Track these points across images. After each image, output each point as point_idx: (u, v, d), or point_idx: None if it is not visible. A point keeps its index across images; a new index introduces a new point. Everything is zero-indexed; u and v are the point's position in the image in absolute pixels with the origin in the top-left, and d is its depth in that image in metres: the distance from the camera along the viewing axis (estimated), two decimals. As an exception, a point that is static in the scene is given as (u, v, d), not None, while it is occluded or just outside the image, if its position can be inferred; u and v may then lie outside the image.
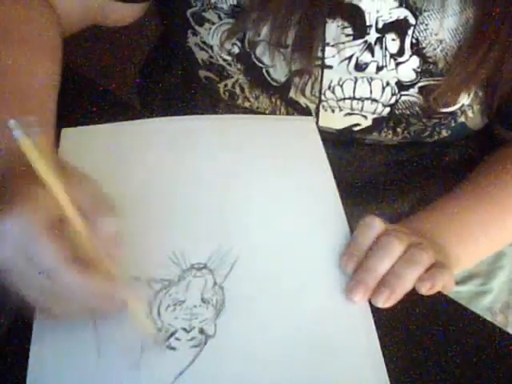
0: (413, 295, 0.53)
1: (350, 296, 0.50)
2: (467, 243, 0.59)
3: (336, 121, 0.67)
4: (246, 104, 0.69)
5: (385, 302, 0.50)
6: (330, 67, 0.62)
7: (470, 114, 0.66)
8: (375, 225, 0.53)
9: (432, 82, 0.62)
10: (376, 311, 0.50)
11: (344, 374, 0.47)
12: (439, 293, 0.55)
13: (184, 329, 0.48)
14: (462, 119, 0.67)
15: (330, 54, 0.61)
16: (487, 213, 0.62)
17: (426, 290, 0.51)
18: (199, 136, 0.62)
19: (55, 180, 0.42)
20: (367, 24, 0.59)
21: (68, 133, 0.60)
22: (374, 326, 0.49)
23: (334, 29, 0.60)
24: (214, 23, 0.63)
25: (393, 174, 0.73)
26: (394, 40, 0.60)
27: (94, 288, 0.43)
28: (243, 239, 0.54)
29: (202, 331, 0.48)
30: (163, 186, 0.58)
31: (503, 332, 0.53)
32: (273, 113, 0.68)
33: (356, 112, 0.66)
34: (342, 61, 0.62)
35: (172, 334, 0.48)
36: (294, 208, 0.56)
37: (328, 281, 0.52)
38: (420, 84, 0.63)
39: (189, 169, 0.59)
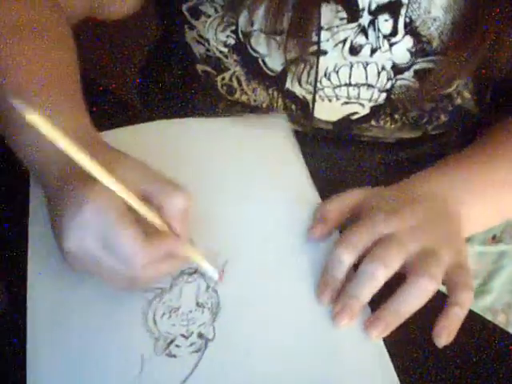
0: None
1: (336, 323, 0.49)
2: (485, 201, 0.57)
3: (333, 111, 0.67)
4: (244, 98, 0.69)
5: (379, 334, 0.49)
6: (325, 52, 0.63)
7: (466, 94, 0.66)
8: (343, 260, 0.50)
9: (427, 65, 0.62)
10: (375, 311, 0.50)
11: (347, 371, 0.47)
12: (439, 292, 0.55)
13: (183, 335, 0.48)
14: (458, 101, 0.67)
15: (325, 38, 0.62)
16: (503, 171, 0.59)
17: (445, 341, 0.48)
18: (173, 141, 0.62)
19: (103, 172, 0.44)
20: (360, 7, 0.60)
21: None
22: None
23: (327, 13, 0.60)
24: (209, 16, 0.63)
25: (392, 174, 0.73)
26: (386, 21, 0.60)
27: (164, 269, 0.48)
28: (231, 241, 0.54)
29: (200, 335, 0.48)
30: None
31: (503, 332, 0.53)
32: (270, 105, 0.69)
33: (353, 100, 0.66)
34: (336, 44, 0.62)
35: (171, 342, 0.48)
36: (275, 208, 0.56)
37: (316, 277, 0.52)
38: (415, 67, 0.63)
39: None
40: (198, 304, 0.50)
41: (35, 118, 0.40)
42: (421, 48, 0.62)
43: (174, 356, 0.47)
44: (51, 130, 0.41)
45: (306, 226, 0.54)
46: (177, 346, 0.48)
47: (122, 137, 0.60)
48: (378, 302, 0.49)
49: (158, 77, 0.82)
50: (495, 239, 0.80)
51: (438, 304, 0.53)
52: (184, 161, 0.59)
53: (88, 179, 0.44)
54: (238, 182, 0.58)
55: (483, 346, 0.51)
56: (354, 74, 0.64)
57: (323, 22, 0.61)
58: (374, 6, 0.60)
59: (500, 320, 0.73)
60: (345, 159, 0.71)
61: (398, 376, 0.47)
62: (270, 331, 0.49)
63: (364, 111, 0.67)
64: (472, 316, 0.53)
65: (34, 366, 0.47)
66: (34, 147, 0.49)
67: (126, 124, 0.62)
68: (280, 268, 0.52)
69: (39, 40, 0.57)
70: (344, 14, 0.60)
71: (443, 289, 0.50)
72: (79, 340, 0.48)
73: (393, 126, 0.68)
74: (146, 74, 0.87)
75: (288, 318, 0.49)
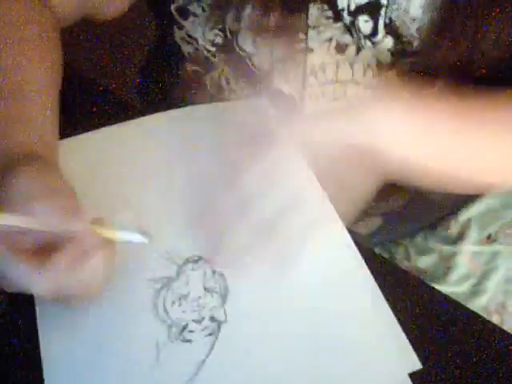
0: (413, 295, 0.53)
1: None
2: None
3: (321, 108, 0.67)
4: (233, 97, 0.69)
5: None
6: (311, 50, 0.63)
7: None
8: None
9: (410, 65, 0.62)
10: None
11: (347, 371, 0.47)
12: (439, 292, 0.55)
13: (195, 320, 0.49)
14: None
15: (311, 36, 0.62)
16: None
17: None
18: (173, 134, 0.61)
19: None
20: (339, 8, 0.60)
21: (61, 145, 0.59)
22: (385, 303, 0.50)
23: (314, 11, 0.60)
24: (197, 15, 0.63)
25: None
26: (366, 21, 0.60)
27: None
28: (234, 225, 0.53)
29: (213, 319, 0.49)
30: (139, 189, 0.57)
31: (503, 332, 0.53)
32: None
33: (339, 98, 0.66)
34: (322, 42, 0.62)
35: (184, 328, 0.49)
36: (271, 189, 0.55)
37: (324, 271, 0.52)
38: (399, 66, 0.63)
39: (157, 167, 0.59)
40: (206, 289, 0.51)
41: None
42: (401, 48, 0.62)
43: (189, 341, 0.48)
44: None
45: (303, 205, 0.53)
46: (190, 331, 0.49)
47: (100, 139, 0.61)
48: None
49: (157, 77, 0.82)
50: (490, 239, 0.80)
51: (438, 306, 0.53)
52: (170, 153, 0.60)
53: None
54: (228, 170, 0.58)
55: (483, 346, 0.51)
56: (340, 71, 0.64)
57: (310, 21, 0.61)
58: (353, 7, 0.60)
59: (494, 320, 0.73)
60: None
61: (398, 376, 0.47)
62: (282, 306, 0.50)
63: None
64: (472, 316, 0.53)
65: (50, 367, 0.46)
66: None
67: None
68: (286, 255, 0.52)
69: (39, 41, 0.58)
70: (330, 13, 0.61)
71: (446, 291, 0.50)
72: (94, 338, 0.48)
73: None
74: (145, 74, 0.87)
75: (298, 292, 0.50)
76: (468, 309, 0.54)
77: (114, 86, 0.83)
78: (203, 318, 0.49)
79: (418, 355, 0.48)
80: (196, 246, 0.53)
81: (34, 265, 0.43)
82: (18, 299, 0.49)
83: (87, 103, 0.65)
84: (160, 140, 0.61)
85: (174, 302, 0.50)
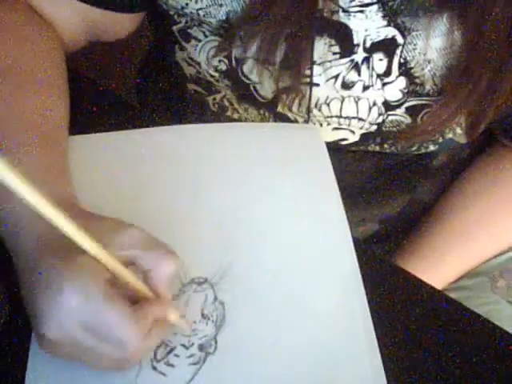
0: (413, 295, 0.53)
1: None
2: None
3: (324, 134, 0.66)
4: (235, 115, 0.69)
5: None
6: (317, 85, 0.62)
7: (458, 130, 0.66)
8: None
9: (419, 102, 0.62)
10: (376, 311, 0.50)
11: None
12: (439, 292, 0.55)
13: (183, 345, 0.47)
14: (449, 135, 0.66)
15: (317, 73, 0.61)
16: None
17: None
18: (200, 146, 0.60)
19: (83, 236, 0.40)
20: (355, 43, 0.59)
21: (73, 140, 0.58)
22: (374, 334, 0.49)
23: (321, 47, 0.59)
24: (200, 40, 0.63)
25: (381, 179, 0.73)
26: (381, 60, 0.59)
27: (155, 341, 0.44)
28: (245, 253, 0.53)
29: (201, 348, 0.47)
30: (163, 198, 0.56)
31: (503, 332, 0.53)
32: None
33: (344, 127, 0.65)
34: (328, 79, 0.61)
35: (171, 351, 0.47)
36: (297, 221, 0.55)
37: (328, 289, 0.51)
38: (407, 104, 0.62)
39: (189, 179, 0.58)
40: (203, 315, 0.49)
41: (13, 179, 0.35)
42: (413, 90, 0.61)
43: (172, 366, 0.46)
44: (32, 194, 0.36)
45: (325, 242, 0.54)
46: (176, 355, 0.47)
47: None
48: (389, 322, 0.49)
49: (157, 77, 0.82)
50: None
51: (438, 306, 0.53)
52: (208, 167, 0.59)
53: (64, 256, 0.41)
54: (257, 193, 0.57)
55: (483, 346, 0.51)
56: (344, 107, 0.63)
57: (316, 56, 0.60)
58: (368, 43, 0.59)
59: (498, 286, 0.71)
60: (332, 166, 0.71)
61: (398, 376, 0.47)
62: (272, 351, 0.48)
63: (354, 138, 0.66)
64: (472, 316, 0.54)
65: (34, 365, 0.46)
66: (8, 209, 0.46)
67: (126, 124, 0.62)
68: (290, 284, 0.51)
69: (39, 40, 0.57)
70: (337, 49, 0.59)
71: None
72: None
73: (381, 151, 0.68)
74: (145, 74, 0.87)
75: (292, 337, 0.48)
76: (468, 309, 0.54)
77: (113, 86, 0.83)
78: (192, 345, 0.47)
79: (419, 355, 0.49)
80: (204, 268, 0.51)
81: (131, 318, 0.41)
82: (18, 299, 0.49)
83: (87, 103, 0.65)
84: (193, 151, 0.60)
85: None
